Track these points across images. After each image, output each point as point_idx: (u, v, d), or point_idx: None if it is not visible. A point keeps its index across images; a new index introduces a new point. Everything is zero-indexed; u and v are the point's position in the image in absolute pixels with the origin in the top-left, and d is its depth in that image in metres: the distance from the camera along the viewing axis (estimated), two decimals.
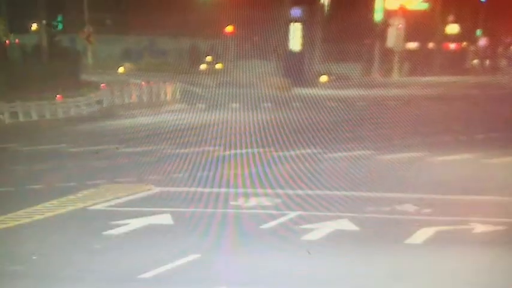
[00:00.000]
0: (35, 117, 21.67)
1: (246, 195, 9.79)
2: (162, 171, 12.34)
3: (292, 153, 14.65)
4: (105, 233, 7.82)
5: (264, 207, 9.21)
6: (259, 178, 11.88)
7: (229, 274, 6.38)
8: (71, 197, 9.79)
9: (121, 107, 26.21)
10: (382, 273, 6.40)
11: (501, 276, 6.15)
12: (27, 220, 8.42)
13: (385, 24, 49.90)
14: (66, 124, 21.09)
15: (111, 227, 8.04)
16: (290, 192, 10.25)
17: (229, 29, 47.65)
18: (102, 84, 29.13)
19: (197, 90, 32.38)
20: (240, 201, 9.52)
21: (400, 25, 50.75)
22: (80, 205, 9.32)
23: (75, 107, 23.22)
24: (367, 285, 6.11)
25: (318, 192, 10.41)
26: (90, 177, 11.26)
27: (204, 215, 8.98)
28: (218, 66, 52.17)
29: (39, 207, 9.08)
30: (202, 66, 50.52)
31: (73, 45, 42.45)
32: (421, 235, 7.78)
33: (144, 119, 23.06)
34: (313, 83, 41.18)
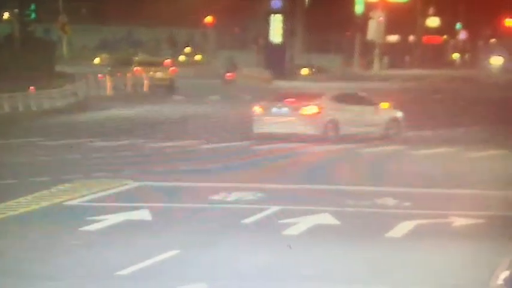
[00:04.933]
0: (7, 109, 21.39)
1: (227, 190, 9.79)
2: (140, 166, 12.28)
3: (273, 146, 14.68)
4: (81, 229, 7.77)
5: (245, 202, 9.23)
6: (240, 172, 11.89)
7: (209, 270, 6.39)
8: (46, 192, 9.69)
9: (97, 99, 25.99)
10: (363, 267, 6.46)
11: (481, 269, 6.24)
12: (0, 216, 8.32)
13: (366, 16, 50.18)
14: (40, 117, 20.87)
15: (88, 223, 7.98)
16: (271, 186, 10.28)
17: (208, 19, 47.46)
18: (77, 76, 28.80)
19: (176, 82, 32.26)
20: (221, 195, 9.52)
21: (381, 18, 51.07)
22: (55, 200, 9.23)
23: (49, 99, 22.97)
24: (347, 279, 6.16)
25: (299, 186, 10.46)
26: (65, 172, 11.17)
27: (184, 210, 8.97)
28: (197, 57, 51.88)
29: (12, 203, 8.97)
30: (181, 58, 50.23)
31: (47, 35, 41.97)
32: (401, 229, 7.87)
33: (120, 112, 22.92)
34: (294, 75, 41.24)
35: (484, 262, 6.51)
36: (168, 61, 33.25)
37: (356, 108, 15.69)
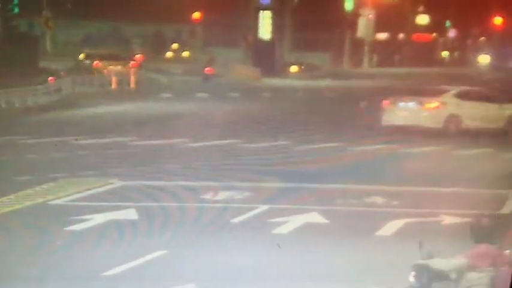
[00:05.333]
0: None
1: (216, 189, 9.80)
2: (126, 164, 12.25)
3: (261, 145, 14.70)
4: (66, 229, 7.74)
5: (234, 201, 9.25)
6: (229, 171, 11.90)
7: (198, 270, 6.40)
8: (30, 191, 9.65)
9: (82, 96, 25.87)
10: (353, 265, 6.51)
11: None
12: None
13: (356, 14, 50.29)
14: (23, 114, 20.73)
15: (73, 223, 7.96)
16: (260, 185, 10.31)
17: (196, 15, 47.32)
18: (62, 72, 28.63)
19: (163, 79, 32.14)
20: (209, 194, 9.53)
21: (370, 15, 51.29)
22: (40, 200, 9.19)
23: (32, 96, 22.82)
24: (337, 278, 6.20)
25: (288, 185, 10.50)
26: (50, 170, 11.11)
27: (171, 209, 8.96)
28: (185, 54, 51.77)
29: None
30: (168, 54, 50.02)
31: (31, 30, 41.63)
32: (391, 227, 7.94)
33: (106, 109, 22.81)
34: (283, 72, 41.24)
35: None
36: (138, 56, 32.92)
37: (478, 104, 16.80)
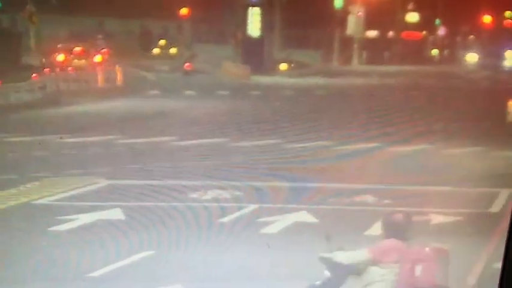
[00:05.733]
0: None
1: (204, 188, 9.81)
2: (112, 163, 12.22)
3: (250, 143, 14.72)
4: (51, 229, 7.73)
5: (222, 200, 9.26)
6: (217, 170, 11.91)
7: (185, 271, 6.41)
8: (13, 190, 9.60)
9: (66, 93, 25.74)
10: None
11: (459, 266, 6.39)
12: None
13: (346, 11, 50.50)
14: (6, 111, 20.61)
15: (58, 223, 7.94)
16: (248, 184, 10.33)
17: (183, 11, 47.24)
18: (46, 69, 28.49)
19: (150, 76, 32.05)
20: (198, 194, 9.54)
21: (360, 12, 51.50)
22: (24, 200, 9.15)
23: (15, 93, 22.68)
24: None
25: (276, 184, 10.52)
26: (34, 170, 11.06)
27: (158, 209, 8.96)
28: (172, 50, 51.69)
29: None
30: (155, 51, 49.89)
31: (14, 25, 41.35)
32: (380, 226, 7.99)
33: (91, 107, 22.72)
34: (273, 70, 41.31)
35: (461, 258, 6.66)
36: (103, 51, 32.62)
37: None
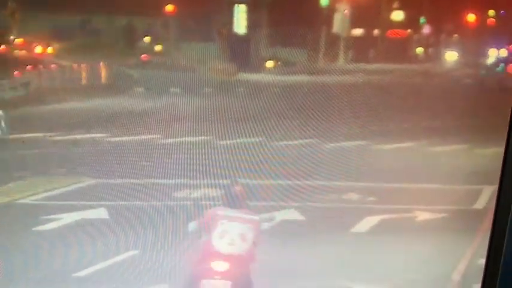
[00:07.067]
0: None
1: (191, 186, 9.77)
2: (96, 162, 12.13)
3: (236, 141, 14.69)
4: (34, 229, 7.65)
5: (209, 199, 9.23)
6: (204, 167, 11.87)
7: (171, 271, 6.37)
8: None
9: (50, 91, 25.57)
10: (329, 262, 6.56)
11: (444, 263, 6.41)
12: None
13: (332, 9, 50.69)
14: None
15: (42, 223, 7.87)
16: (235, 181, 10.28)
17: (169, 8, 47.15)
18: (28, 66, 28.27)
19: (134, 73, 31.98)
20: (184, 192, 9.50)
21: (346, 10, 51.71)
22: (6, 199, 9.07)
23: None
24: (313, 274, 6.24)
25: (263, 181, 10.51)
26: (17, 168, 10.96)
27: (144, 208, 8.91)
28: (157, 48, 51.55)
29: None
30: (140, 48, 49.65)
31: None
32: (366, 224, 8.03)
33: (75, 104, 22.59)
34: (259, 68, 41.32)
35: (447, 256, 6.69)
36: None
37: None
